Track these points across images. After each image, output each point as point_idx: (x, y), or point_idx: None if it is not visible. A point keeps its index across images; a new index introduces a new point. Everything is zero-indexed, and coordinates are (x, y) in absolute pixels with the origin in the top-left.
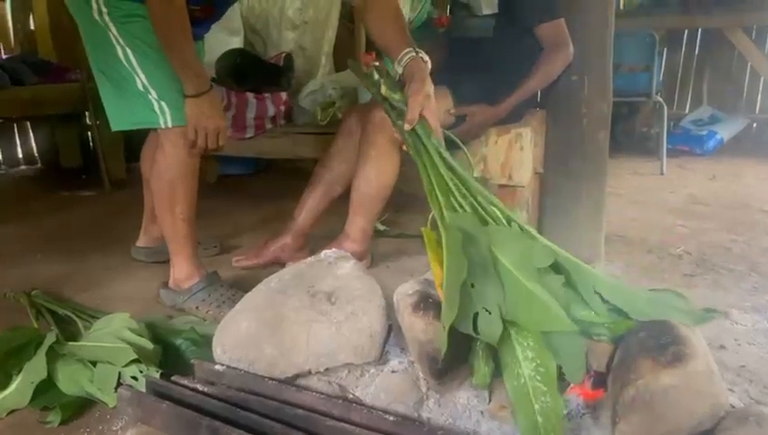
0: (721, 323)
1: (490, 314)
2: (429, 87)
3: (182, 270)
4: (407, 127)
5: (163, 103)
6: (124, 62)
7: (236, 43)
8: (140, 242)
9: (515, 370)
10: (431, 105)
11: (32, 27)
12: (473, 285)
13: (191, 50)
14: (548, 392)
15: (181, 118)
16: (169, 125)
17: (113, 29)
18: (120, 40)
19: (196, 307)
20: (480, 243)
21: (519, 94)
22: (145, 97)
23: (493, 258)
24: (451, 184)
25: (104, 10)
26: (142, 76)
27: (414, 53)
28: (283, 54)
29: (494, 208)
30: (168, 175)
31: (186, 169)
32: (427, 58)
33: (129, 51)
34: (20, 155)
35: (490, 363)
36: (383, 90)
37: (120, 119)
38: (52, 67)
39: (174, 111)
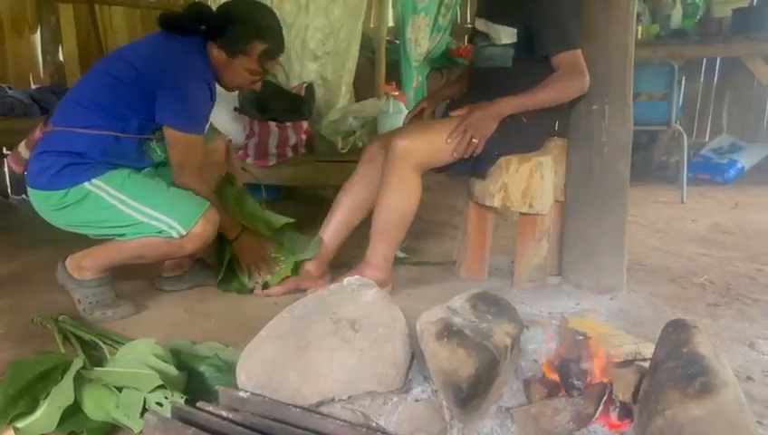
0: (748, 354)
1: None
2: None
3: (93, 262)
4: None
5: (164, 217)
6: (125, 209)
7: None
8: (165, 272)
9: None
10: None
11: (61, 58)
12: None
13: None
14: None
15: (187, 221)
16: (183, 232)
17: (106, 187)
18: (113, 192)
19: (78, 300)
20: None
21: (524, 99)
22: (149, 225)
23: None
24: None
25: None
26: (141, 208)
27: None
28: (305, 85)
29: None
30: (148, 251)
31: (167, 255)
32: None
33: (123, 196)
34: None
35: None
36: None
37: None
38: None
39: (178, 218)
